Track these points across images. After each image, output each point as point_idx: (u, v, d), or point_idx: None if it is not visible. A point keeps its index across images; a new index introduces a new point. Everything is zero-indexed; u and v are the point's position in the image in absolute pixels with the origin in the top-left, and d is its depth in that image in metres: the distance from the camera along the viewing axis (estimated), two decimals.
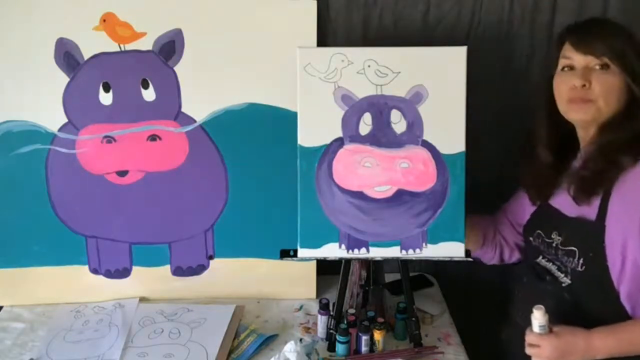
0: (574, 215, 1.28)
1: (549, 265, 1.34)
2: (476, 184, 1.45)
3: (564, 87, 1.26)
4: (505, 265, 1.82)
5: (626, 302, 1.21)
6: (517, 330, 1.29)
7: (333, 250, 1.45)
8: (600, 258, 1.22)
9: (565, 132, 1.33)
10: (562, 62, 1.28)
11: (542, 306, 1.19)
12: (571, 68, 1.26)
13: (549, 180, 1.35)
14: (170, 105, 1.56)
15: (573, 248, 1.27)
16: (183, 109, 1.56)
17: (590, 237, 1.24)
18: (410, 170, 1.43)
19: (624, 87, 1.21)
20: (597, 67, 1.22)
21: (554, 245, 1.33)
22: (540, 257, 1.38)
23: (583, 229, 1.26)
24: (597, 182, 1.22)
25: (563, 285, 1.29)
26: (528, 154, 1.39)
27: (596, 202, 1.23)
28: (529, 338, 1.21)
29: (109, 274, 1.65)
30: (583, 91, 1.22)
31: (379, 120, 1.43)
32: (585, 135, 1.30)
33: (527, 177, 1.42)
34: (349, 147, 1.43)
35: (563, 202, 1.32)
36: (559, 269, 1.32)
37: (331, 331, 1.47)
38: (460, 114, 1.42)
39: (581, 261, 1.25)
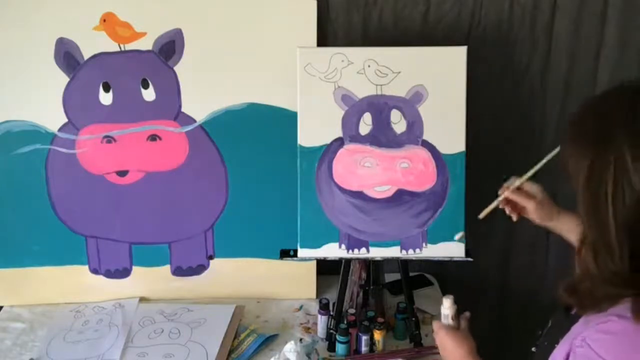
0: None
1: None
2: (476, 184, 1.45)
3: None
4: (505, 265, 1.82)
5: None
6: None
7: (333, 250, 1.45)
8: (545, 355, 0.97)
9: None
10: None
11: (451, 296, 1.19)
12: None
13: None
14: (170, 105, 1.55)
15: (546, 324, 1.06)
16: (183, 109, 1.56)
17: (557, 324, 1.01)
18: (410, 170, 1.43)
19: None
20: None
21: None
22: None
23: (561, 312, 1.01)
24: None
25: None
26: None
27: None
28: (433, 323, 1.24)
29: (109, 274, 1.65)
30: None
31: (379, 120, 1.43)
32: None
33: None
34: (349, 147, 1.43)
35: None
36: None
37: (331, 331, 1.47)
38: (460, 114, 1.42)
39: (538, 341, 1.04)
